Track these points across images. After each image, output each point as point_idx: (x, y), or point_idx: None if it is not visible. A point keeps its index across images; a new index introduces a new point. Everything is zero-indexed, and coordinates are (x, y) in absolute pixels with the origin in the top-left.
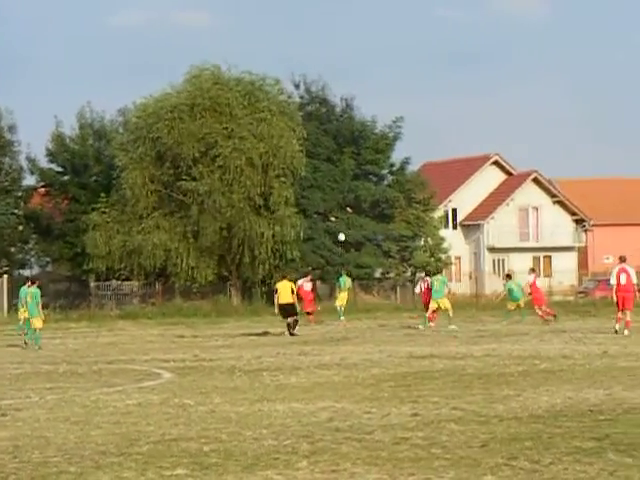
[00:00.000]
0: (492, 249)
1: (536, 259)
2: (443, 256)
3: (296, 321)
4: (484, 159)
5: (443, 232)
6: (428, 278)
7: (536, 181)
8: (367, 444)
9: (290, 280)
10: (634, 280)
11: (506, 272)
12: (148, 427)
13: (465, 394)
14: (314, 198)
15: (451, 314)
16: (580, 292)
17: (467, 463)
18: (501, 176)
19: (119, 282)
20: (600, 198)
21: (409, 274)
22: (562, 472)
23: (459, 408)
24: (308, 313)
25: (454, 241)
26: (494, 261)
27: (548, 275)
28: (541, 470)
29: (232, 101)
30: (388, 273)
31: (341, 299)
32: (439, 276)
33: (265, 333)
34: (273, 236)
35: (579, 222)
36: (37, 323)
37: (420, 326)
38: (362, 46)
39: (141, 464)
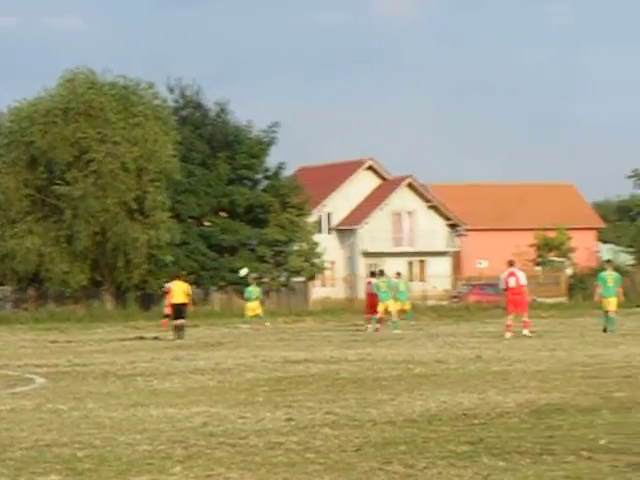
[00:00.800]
0: (366, 254)
1: (410, 264)
2: (317, 261)
3: (183, 325)
4: (359, 164)
5: (317, 237)
6: (373, 279)
7: (410, 186)
8: (241, 449)
9: (184, 280)
10: (523, 282)
11: (396, 272)
12: (21, 433)
13: (339, 398)
14: (188, 202)
15: (394, 318)
16: (454, 297)
17: (341, 467)
18: (376, 181)
19: None
20: (474, 203)
21: (283, 279)
22: (436, 476)
23: (333, 412)
24: (166, 316)
25: (328, 246)
26: (368, 266)
27: (422, 280)
28: (415, 474)
29: (106, 105)
30: (262, 278)
31: (250, 309)
32: (384, 278)
33: (139, 338)
34: (147, 241)
35: (453, 227)
36: None
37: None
38: (238, 51)
39: (13, 470)
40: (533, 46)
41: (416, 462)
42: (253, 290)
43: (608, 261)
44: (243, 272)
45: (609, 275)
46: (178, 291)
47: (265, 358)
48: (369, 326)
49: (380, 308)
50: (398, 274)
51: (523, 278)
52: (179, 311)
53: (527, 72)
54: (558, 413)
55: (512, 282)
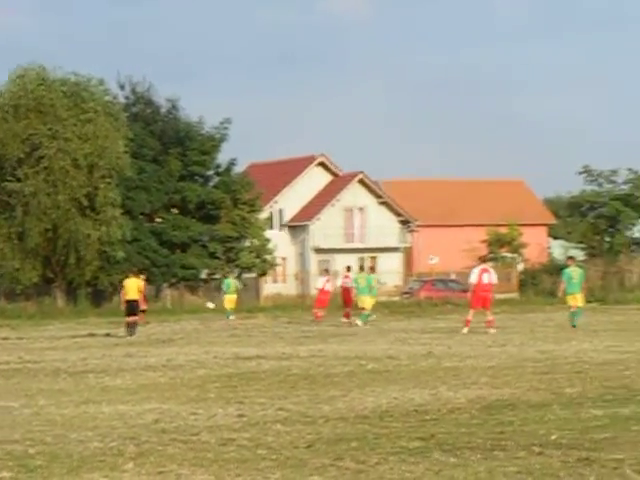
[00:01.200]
0: (318, 250)
1: (361, 260)
2: (269, 257)
3: (136, 322)
4: (310, 160)
5: (269, 233)
6: (350, 274)
7: (362, 182)
8: (193, 445)
9: (137, 277)
10: (494, 280)
11: (369, 267)
12: None
13: (291, 395)
14: (140, 199)
15: (366, 312)
16: (405, 293)
17: (293, 464)
18: (327, 177)
19: None
20: (425, 199)
21: (235, 275)
22: (388, 472)
23: (285, 409)
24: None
25: (280, 242)
26: (320, 262)
27: None
28: (367, 470)
29: (57, 102)
30: (214, 274)
31: (228, 302)
32: (364, 274)
33: (90, 335)
34: (99, 237)
35: (404, 223)
36: None
37: (358, 322)
38: (189, 47)
39: None
40: (483, 43)
41: (368, 458)
42: (231, 282)
43: (571, 257)
44: (210, 305)
45: (574, 271)
46: (131, 288)
47: (217, 354)
48: (357, 321)
49: (365, 304)
50: (372, 269)
51: (494, 276)
52: (132, 308)
53: (477, 69)
54: (509, 409)
55: (485, 278)
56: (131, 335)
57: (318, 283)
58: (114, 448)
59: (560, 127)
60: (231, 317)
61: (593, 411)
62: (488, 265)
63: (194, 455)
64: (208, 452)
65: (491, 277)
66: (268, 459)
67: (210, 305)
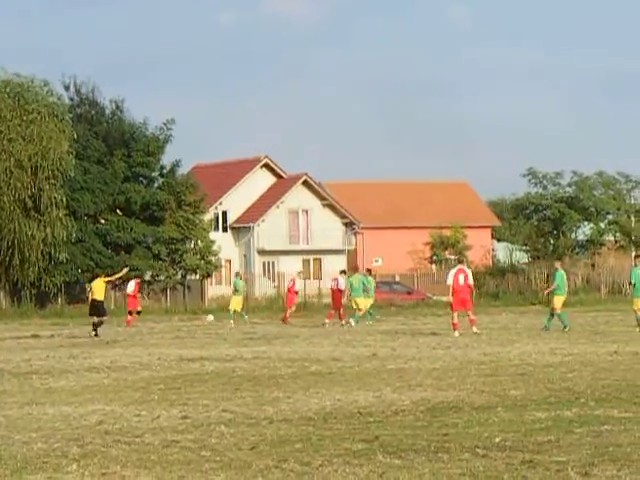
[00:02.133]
0: (262, 252)
1: (306, 262)
2: (213, 259)
3: (101, 322)
4: (254, 162)
5: (213, 235)
6: (339, 277)
7: (306, 184)
8: (137, 447)
9: (105, 279)
10: (471, 281)
11: (366, 269)
12: None
13: (235, 396)
14: (84, 200)
15: (360, 313)
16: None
17: (237, 465)
18: (271, 179)
19: None
20: (369, 201)
21: (179, 277)
22: (332, 474)
23: (229, 410)
24: (138, 312)
25: (224, 244)
26: (264, 264)
27: (318, 278)
28: (311, 472)
29: (0, 103)
30: (158, 276)
31: (236, 303)
32: (358, 275)
33: (34, 336)
34: (43, 238)
35: (349, 225)
36: None
37: (352, 322)
38: (133, 48)
39: None
40: (427, 45)
41: (312, 460)
42: (240, 282)
43: (559, 259)
44: (210, 318)
45: (564, 275)
46: (98, 290)
47: (160, 356)
48: (342, 322)
49: (360, 305)
50: (369, 271)
51: (471, 276)
52: (97, 308)
53: (421, 70)
54: (453, 411)
55: (461, 279)
56: (94, 335)
57: (291, 283)
58: (58, 449)
59: (504, 129)
60: (246, 317)
61: (537, 413)
62: (464, 266)
63: (138, 457)
64: (152, 454)
65: (467, 277)
66: (212, 461)
67: (210, 318)
